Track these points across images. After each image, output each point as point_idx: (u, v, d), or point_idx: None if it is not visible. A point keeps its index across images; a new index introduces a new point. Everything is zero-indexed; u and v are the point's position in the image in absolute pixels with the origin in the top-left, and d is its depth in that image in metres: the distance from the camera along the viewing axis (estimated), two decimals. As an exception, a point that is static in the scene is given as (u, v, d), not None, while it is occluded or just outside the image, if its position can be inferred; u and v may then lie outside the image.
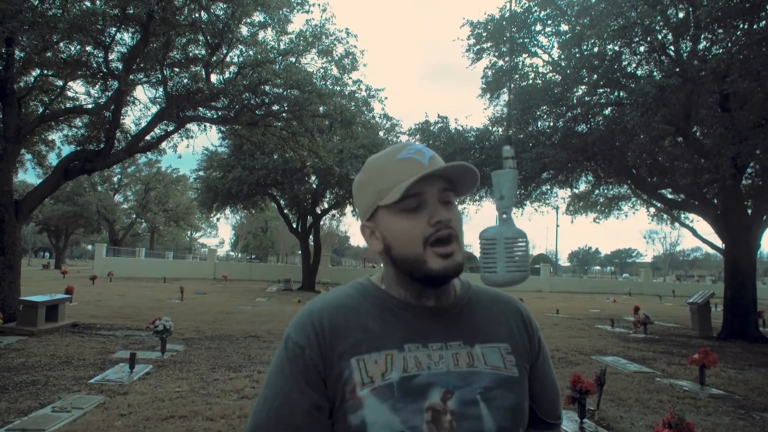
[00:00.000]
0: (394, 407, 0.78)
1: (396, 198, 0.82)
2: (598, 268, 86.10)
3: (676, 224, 18.94)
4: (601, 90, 11.87)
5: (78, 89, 32.06)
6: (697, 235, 15.10)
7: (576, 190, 16.56)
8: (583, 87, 11.99)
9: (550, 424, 0.97)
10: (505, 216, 0.86)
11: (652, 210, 17.90)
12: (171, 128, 11.52)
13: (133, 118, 31.31)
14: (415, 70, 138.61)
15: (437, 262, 0.82)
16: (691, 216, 16.13)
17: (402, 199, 0.82)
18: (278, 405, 0.82)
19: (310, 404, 0.81)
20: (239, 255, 61.26)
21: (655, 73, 10.83)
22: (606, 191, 17.05)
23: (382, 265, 0.94)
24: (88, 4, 8.88)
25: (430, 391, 0.80)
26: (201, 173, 24.29)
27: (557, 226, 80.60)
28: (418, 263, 0.83)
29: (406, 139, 20.21)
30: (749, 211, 12.02)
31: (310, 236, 25.80)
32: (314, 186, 23.45)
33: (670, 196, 14.48)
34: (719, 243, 13.01)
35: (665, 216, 18.40)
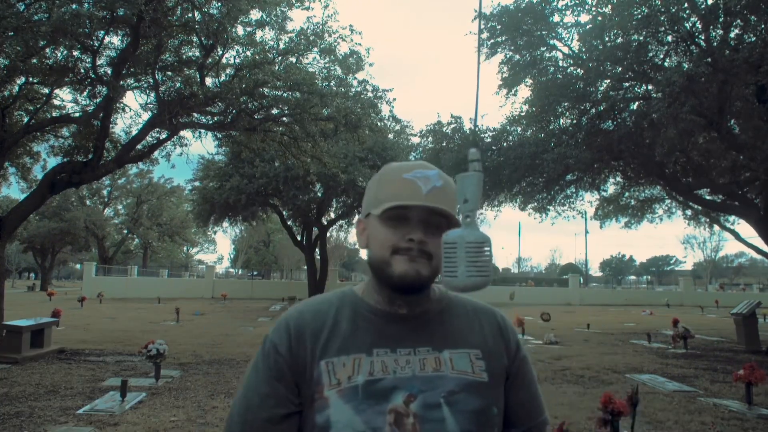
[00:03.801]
0: (358, 408, 0.89)
1: (378, 213, 0.95)
2: (633, 277, 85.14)
3: (716, 228, 18.73)
4: (626, 83, 11.85)
5: (65, 97, 32.73)
6: (741, 239, 14.94)
7: (604, 193, 16.48)
8: (608, 81, 11.97)
9: (531, 429, 1.04)
10: (468, 219, 0.90)
11: (689, 213, 17.73)
12: (164, 136, 11.66)
13: (123, 126, 31.81)
14: (419, 68, 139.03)
15: (400, 265, 0.93)
16: (733, 218, 15.96)
17: (385, 212, 0.95)
18: (249, 399, 0.95)
19: (277, 398, 0.93)
20: (240, 272, 61.51)
21: (684, 64, 10.80)
22: (637, 193, 16.94)
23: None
24: (74, 6, 9.05)
25: (393, 394, 0.90)
26: (196, 183, 24.51)
27: (586, 232, 79.80)
28: (384, 265, 0.95)
29: (417, 141, 20.29)
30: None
31: (316, 249, 25.87)
32: (319, 194, 23.55)
33: (708, 197, 14.34)
34: (766, 247, 12.85)
35: (703, 219, 18.21)
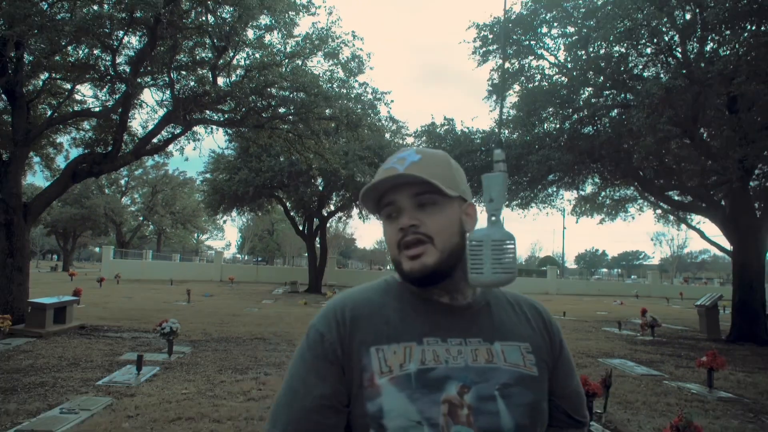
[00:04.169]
0: (411, 397, 0.81)
1: (377, 214, 0.92)
2: (605, 270, 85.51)
3: (684, 226, 18.82)
4: (607, 92, 11.83)
5: (86, 92, 32.35)
6: (705, 238, 14.99)
7: (582, 192, 16.50)
8: (590, 89, 11.95)
9: (577, 422, 0.97)
10: (494, 218, 0.87)
11: (659, 212, 17.80)
12: (178, 131, 11.58)
13: (140, 120, 31.59)
14: (406, 72, 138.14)
15: (407, 263, 0.87)
16: (699, 218, 16.03)
17: (381, 209, 0.91)
18: (296, 388, 0.86)
19: (324, 387, 0.85)
20: (246, 257, 61.39)
21: (662, 75, 10.79)
22: (612, 193, 16.97)
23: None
24: (95, 7, 8.95)
25: (446, 384, 0.83)
26: (208, 176, 24.41)
27: (564, 228, 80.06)
28: (397, 265, 0.90)
29: (411, 141, 20.22)
30: (757, 213, 11.93)
31: (317, 239, 25.85)
32: (320, 188, 23.49)
33: (677, 198, 14.39)
34: (727, 245, 12.92)
35: (672, 218, 18.28)
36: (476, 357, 0.87)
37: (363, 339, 0.87)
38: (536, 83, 12.80)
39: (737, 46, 9.43)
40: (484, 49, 12.72)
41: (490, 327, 0.91)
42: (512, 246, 0.85)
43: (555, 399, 0.94)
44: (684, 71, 9.97)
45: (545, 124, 13.17)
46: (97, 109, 11.27)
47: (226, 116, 11.52)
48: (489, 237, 0.85)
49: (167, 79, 10.69)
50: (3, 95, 9.91)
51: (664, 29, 10.38)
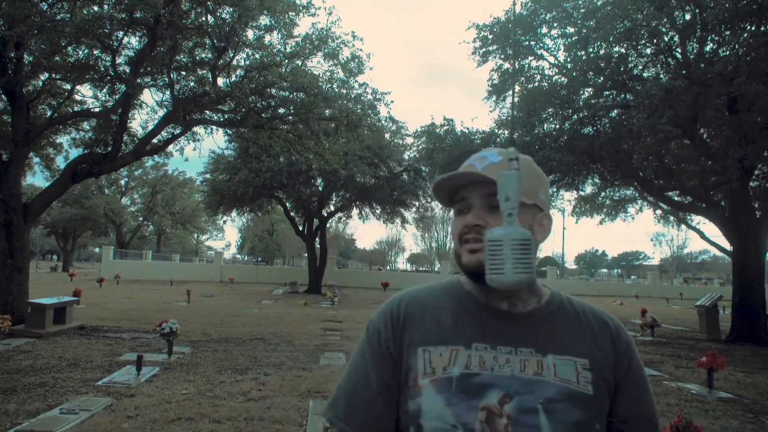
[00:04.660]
0: (449, 401, 0.81)
1: (438, 201, 0.93)
2: (605, 270, 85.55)
3: (684, 226, 18.81)
4: (607, 92, 11.83)
5: (86, 93, 32.30)
6: (705, 238, 14.98)
7: (582, 193, 16.50)
8: (590, 89, 11.96)
9: None
10: (511, 218, 0.85)
11: (659, 212, 17.81)
12: (178, 131, 11.58)
13: (140, 121, 31.63)
14: (406, 72, 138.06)
15: (466, 256, 0.89)
16: (699, 218, 16.03)
17: (453, 203, 0.93)
18: (356, 380, 0.90)
19: (382, 382, 0.88)
20: (246, 258, 61.40)
21: (661, 76, 10.79)
22: (612, 194, 16.97)
23: None
24: (95, 8, 8.95)
25: (488, 391, 0.82)
26: (207, 176, 24.43)
27: (564, 228, 79.90)
28: (457, 257, 0.92)
29: (411, 141, 20.24)
30: (757, 214, 11.93)
31: (317, 239, 25.84)
32: (320, 188, 23.51)
33: (677, 199, 14.39)
34: (727, 245, 12.92)
35: (672, 218, 18.29)
36: (524, 368, 0.84)
37: (412, 338, 0.89)
38: (536, 84, 12.80)
39: (737, 47, 9.43)
40: (484, 49, 12.73)
41: (546, 338, 0.88)
42: (531, 245, 0.84)
43: (616, 421, 0.89)
44: (684, 72, 9.97)
45: (545, 125, 13.17)
46: (97, 110, 11.27)
47: (226, 117, 11.52)
48: (509, 236, 0.83)
49: (167, 79, 10.70)
50: (3, 95, 9.92)
51: (663, 30, 10.39)
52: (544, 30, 12.49)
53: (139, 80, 10.13)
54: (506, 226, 0.84)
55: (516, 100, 13.27)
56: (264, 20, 10.49)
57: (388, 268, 60.08)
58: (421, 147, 15.99)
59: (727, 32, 9.65)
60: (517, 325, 0.89)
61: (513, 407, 0.81)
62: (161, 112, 11.70)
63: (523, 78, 12.91)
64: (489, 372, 0.83)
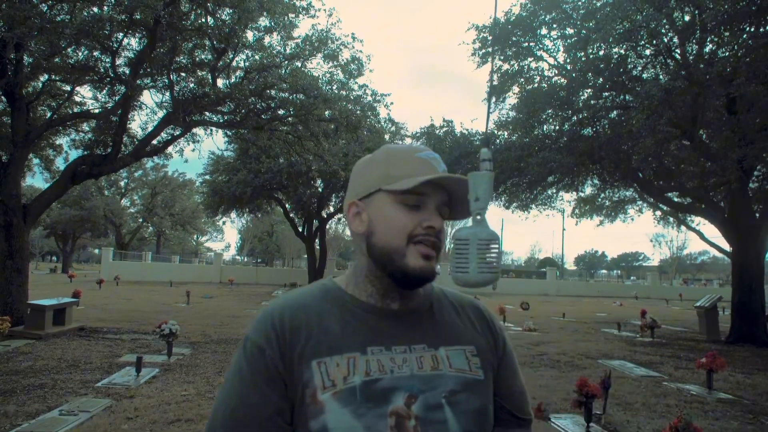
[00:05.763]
0: (356, 412, 0.76)
1: (406, 187, 0.82)
2: (604, 271, 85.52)
3: (683, 227, 18.82)
4: (606, 93, 11.83)
5: (85, 94, 32.34)
6: (704, 239, 15.01)
7: (582, 194, 16.51)
8: (589, 90, 11.95)
9: (522, 421, 0.94)
10: (479, 217, 0.86)
11: (659, 213, 17.82)
12: (177, 132, 11.59)
13: (140, 122, 31.61)
14: (406, 73, 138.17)
15: (417, 260, 0.82)
16: (698, 219, 16.03)
17: (406, 192, 0.83)
18: (234, 407, 0.79)
19: (268, 407, 0.78)
20: (245, 259, 61.37)
21: (660, 77, 10.80)
22: (612, 195, 16.98)
23: (350, 262, 0.94)
24: (95, 9, 8.96)
25: (393, 395, 0.78)
26: (207, 177, 24.46)
27: (563, 229, 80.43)
28: (396, 255, 0.82)
29: (410, 142, 20.22)
30: (757, 215, 11.94)
31: (316, 240, 25.85)
32: (320, 190, 23.52)
33: (676, 200, 14.40)
34: (726, 246, 12.93)
35: (671, 219, 18.30)
36: (422, 364, 0.82)
37: (303, 352, 0.80)
38: (535, 85, 12.81)
39: (736, 48, 9.44)
40: (483, 50, 12.73)
41: (434, 332, 0.88)
42: (497, 246, 0.84)
43: (499, 399, 0.91)
44: (683, 72, 9.98)
45: (545, 126, 13.17)
46: (96, 111, 11.29)
47: (226, 118, 11.53)
48: (476, 236, 0.83)
49: (167, 80, 10.71)
50: (3, 97, 9.92)
51: (663, 31, 10.39)
52: (544, 31, 12.50)
53: (138, 81, 10.14)
54: (474, 226, 0.85)
55: (515, 101, 13.30)
56: (264, 21, 10.50)
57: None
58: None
59: (727, 33, 9.66)
60: (405, 323, 0.86)
61: (419, 406, 0.79)
62: (161, 114, 11.73)
63: (522, 79, 12.91)
64: (390, 375, 0.80)
